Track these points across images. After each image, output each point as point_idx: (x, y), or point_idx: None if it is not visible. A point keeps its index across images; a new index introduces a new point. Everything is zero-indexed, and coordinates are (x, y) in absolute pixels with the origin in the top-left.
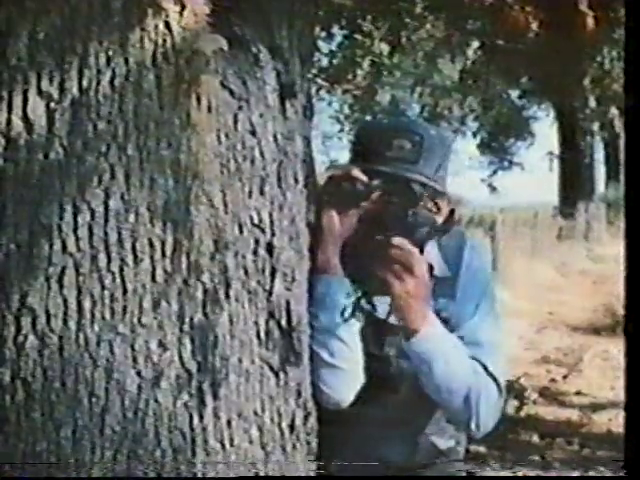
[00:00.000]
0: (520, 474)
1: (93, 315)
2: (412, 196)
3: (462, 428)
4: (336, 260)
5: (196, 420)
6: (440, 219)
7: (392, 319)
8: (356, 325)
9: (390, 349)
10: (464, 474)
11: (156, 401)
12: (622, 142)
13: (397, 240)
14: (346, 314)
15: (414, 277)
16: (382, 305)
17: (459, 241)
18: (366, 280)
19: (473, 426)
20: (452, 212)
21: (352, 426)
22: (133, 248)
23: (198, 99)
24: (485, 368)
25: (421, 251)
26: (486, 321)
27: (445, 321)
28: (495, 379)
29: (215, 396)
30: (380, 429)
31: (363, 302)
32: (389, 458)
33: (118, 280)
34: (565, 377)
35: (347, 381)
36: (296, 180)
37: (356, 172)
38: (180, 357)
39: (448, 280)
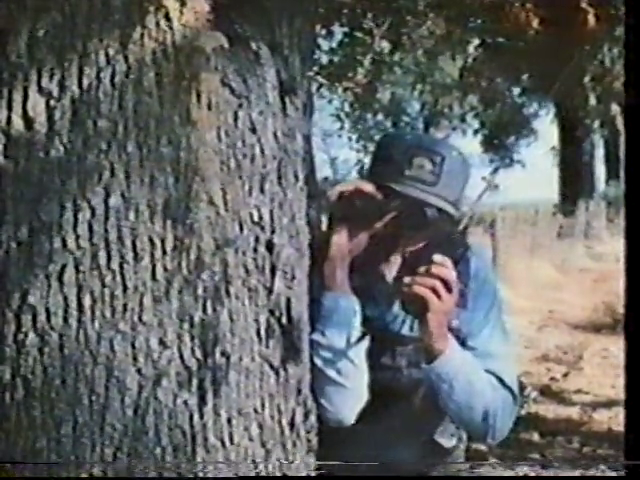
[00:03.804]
0: (520, 473)
1: (93, 313)
2: (425, 221)
3: (479, 440)
4: (344, 278)
5: (196, 418)
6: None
7: (404, 331)
8: (364, 344)
9: (401, 360)
10: (464, 473)
11: (156, 399)
12: (622, 140)
13: (439, 257)
14: (354, 338)
15: (451, 296)
16: (393, 319)
17: (464, 249)
18: (394, 298)
19: (490, 439)
20: (464, 230)
21: (362, 437)
22: (133, 246)
23: (198, 97)
24: (501, 380)
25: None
26: (496, 331)
27: (456, 331)
28: (511, 390)
29: (215, 394)
30: (391, 438)
31: (373, 319)
32: (397, 460)
33: (118, 278)
34: (565, 375)
35: (351, 400)
36: (296, 178)
37: (370, 188)
38: (180, 355)
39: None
